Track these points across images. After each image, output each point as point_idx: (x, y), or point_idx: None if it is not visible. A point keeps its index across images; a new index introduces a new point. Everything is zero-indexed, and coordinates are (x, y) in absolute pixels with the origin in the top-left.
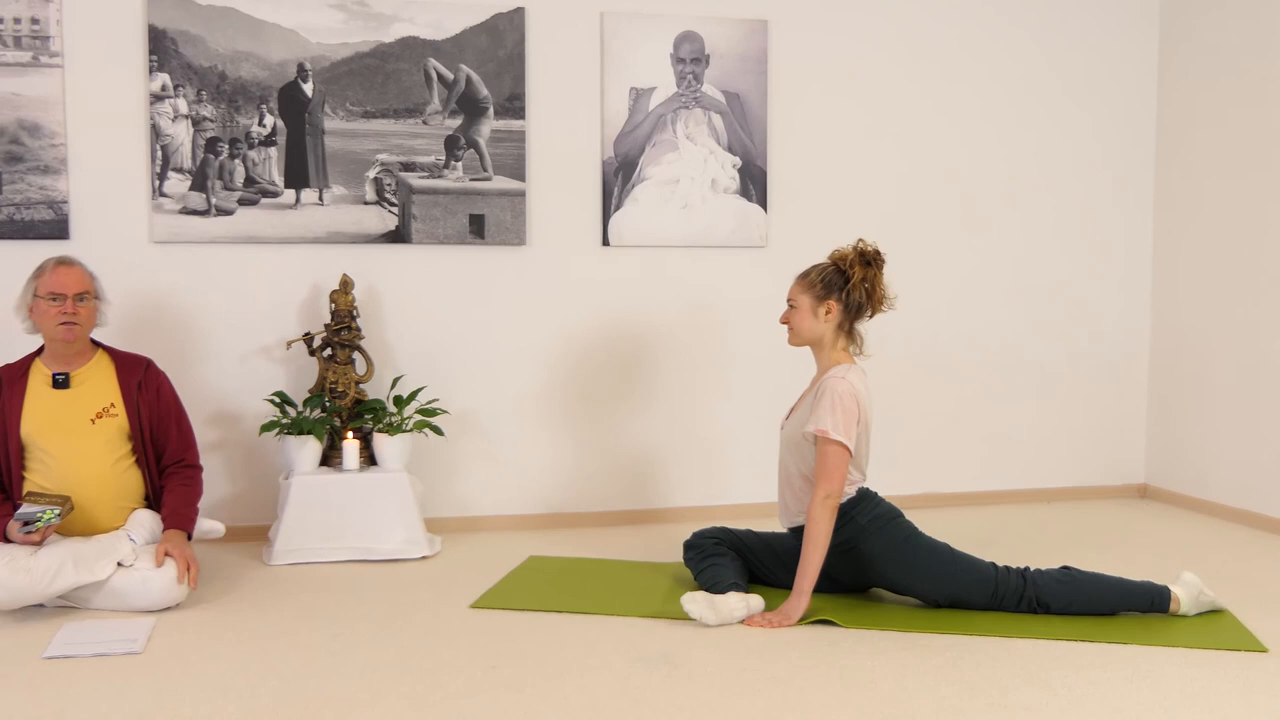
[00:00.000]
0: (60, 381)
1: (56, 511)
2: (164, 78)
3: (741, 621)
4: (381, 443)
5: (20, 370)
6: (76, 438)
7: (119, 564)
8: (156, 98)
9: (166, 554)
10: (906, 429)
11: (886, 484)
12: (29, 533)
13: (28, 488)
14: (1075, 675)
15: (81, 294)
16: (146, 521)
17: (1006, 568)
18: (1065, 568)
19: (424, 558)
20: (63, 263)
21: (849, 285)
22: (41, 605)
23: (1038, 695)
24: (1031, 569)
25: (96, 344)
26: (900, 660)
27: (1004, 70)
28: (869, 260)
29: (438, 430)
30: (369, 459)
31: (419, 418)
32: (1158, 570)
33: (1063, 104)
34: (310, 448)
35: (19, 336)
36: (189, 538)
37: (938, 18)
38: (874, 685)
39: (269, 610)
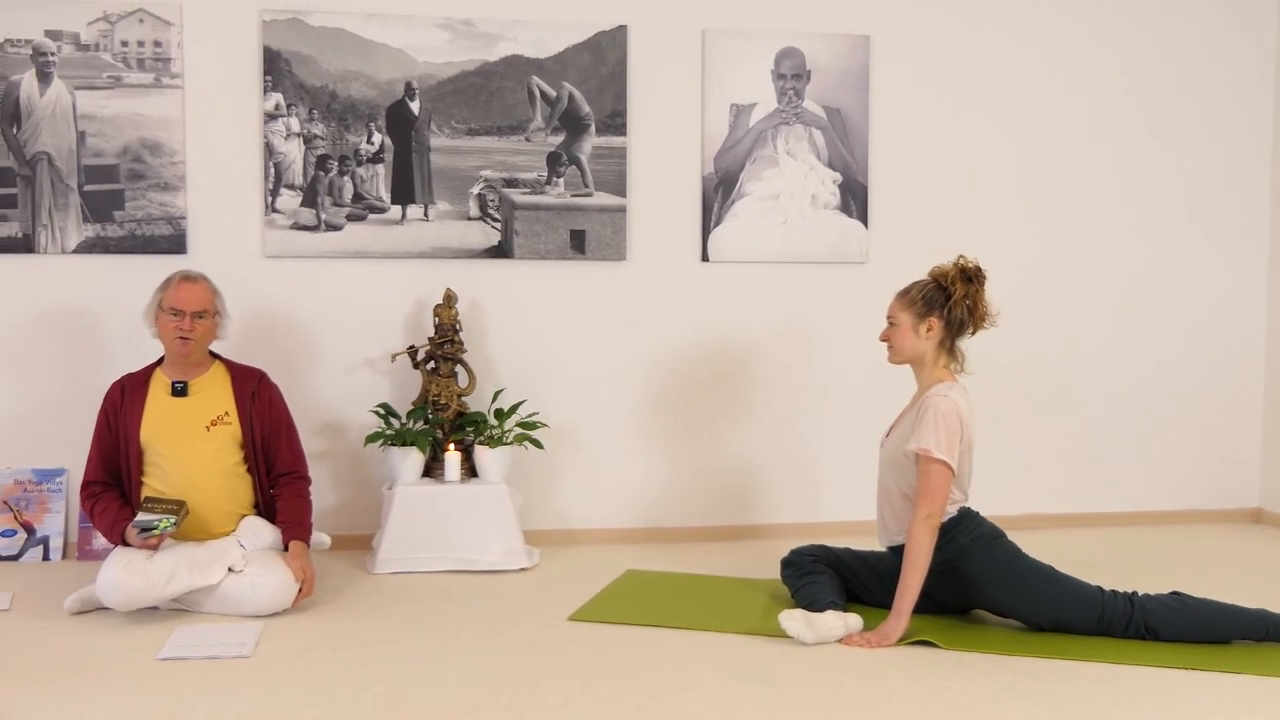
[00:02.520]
0: (179, 389)
1: (172, 520)
2: (277, 97)
3: (839, 640)
4: (482, 455)
5: (142, 379)
6: (191, 443)
7: (230, 569)
8: (270, 116)
9: (301, 570)
10: (1010, 448)
11: (989, 504)
12: (145, 539)
13: (145, 491)
14: (1185, 705)
15: (200, 312)
16: (257, 528)
17: (1113, 591)
18: (1175, 593)
19: (523, 569)
20: (187, 279)
21: (950, 302)
22: (156, 608)
23: None
24: (1140, 594)
25: (214, 355)
26: (1002, 684)
27: (1112, 82)
28: (970, 277)
29: (537, 443)
30: (470, 471)
31: (519, 431)
32: (1273, 598)
33: (1174, 114)
34: (413, 459)
35: (136, 347)
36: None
37: (1043, 31)
38: (975, 709)
39: (372, 618)
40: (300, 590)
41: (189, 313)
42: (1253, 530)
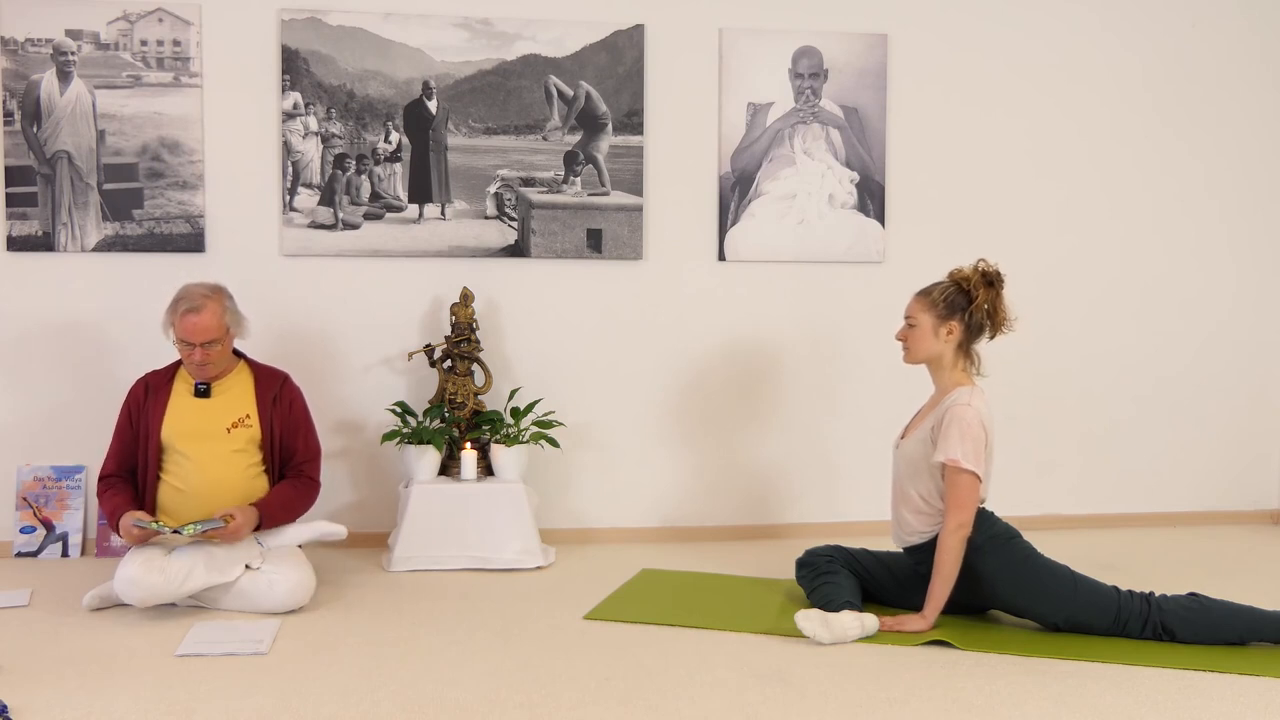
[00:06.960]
0: (202, 391)
1: (169, 531)
2: (295, 96)
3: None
4: (498, 453)
5: (166, 376)
6: (212, 444)
7: (246, 566)
8: (288, 115)
9: (230, 515)
10: (1029, 449)
11: (1008, 505)
12: (142, 530)
13: (162, 489)
14: (1205, 707)
15: (211, 341)
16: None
17: (1130, 592)
18: (1193, 594)
19: (539, 568)
20: (191, 310)
21: (972, 306)
22: (174, 604)
23: None
24: (1157, 594)
25: (239, 355)
26: (1020, 685)
27: (1133, 80)
28: (991, 281)
29: (553, 442)
30: (486, 469)
31: (535, 429)
32: None
33: (1195, 113)
34: (429, 457)
35: (154, 346)
36: (258, 528)
37: (1062, 30)
38: (992, 710)
39: (388, 616)
40: (226, 526)
41: (198, 344)
42: (1273, 532)
